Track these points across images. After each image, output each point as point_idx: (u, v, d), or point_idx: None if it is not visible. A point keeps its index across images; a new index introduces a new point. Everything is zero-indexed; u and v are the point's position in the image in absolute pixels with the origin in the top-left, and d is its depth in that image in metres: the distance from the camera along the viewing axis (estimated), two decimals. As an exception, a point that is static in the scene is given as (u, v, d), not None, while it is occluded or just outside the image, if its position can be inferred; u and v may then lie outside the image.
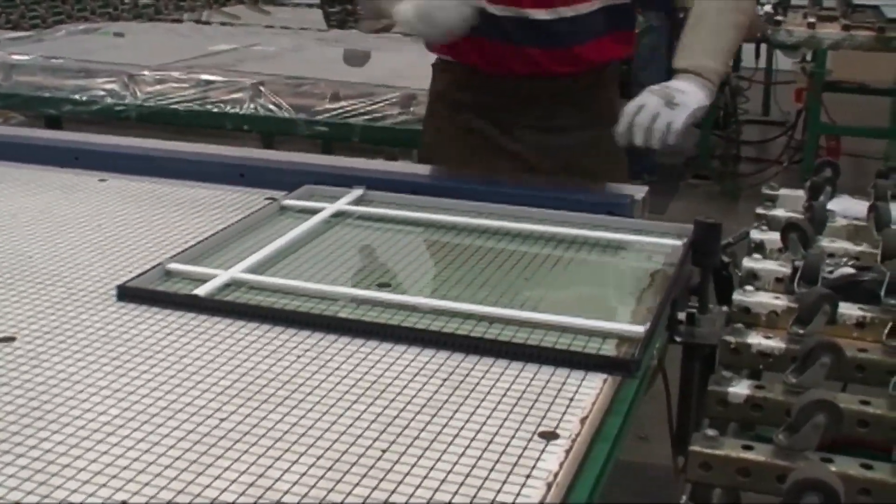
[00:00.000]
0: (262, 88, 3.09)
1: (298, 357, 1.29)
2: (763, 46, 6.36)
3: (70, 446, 1.07)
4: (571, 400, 1.19)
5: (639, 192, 1.95)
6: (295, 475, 1.02)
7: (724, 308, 1.60)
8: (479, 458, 1.06)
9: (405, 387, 1.22)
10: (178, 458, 1.04)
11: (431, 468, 1.04)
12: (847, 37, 5.05)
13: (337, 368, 1.27)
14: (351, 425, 1.12)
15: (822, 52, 5.46)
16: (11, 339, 1.34)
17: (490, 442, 1.09)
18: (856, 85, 6.28)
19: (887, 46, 4.78)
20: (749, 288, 1.62)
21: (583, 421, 1.14)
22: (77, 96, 3.30)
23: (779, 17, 5.32)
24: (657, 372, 1.48)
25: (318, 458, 1.05)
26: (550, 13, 2.17)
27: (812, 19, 5.26)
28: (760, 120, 6.96)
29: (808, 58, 5.76)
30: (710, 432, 1.21)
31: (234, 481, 1.00)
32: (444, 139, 2.34)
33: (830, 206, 1.99)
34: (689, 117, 1.93)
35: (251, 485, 1.00)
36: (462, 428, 1.12)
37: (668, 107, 1.89)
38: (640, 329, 1.35)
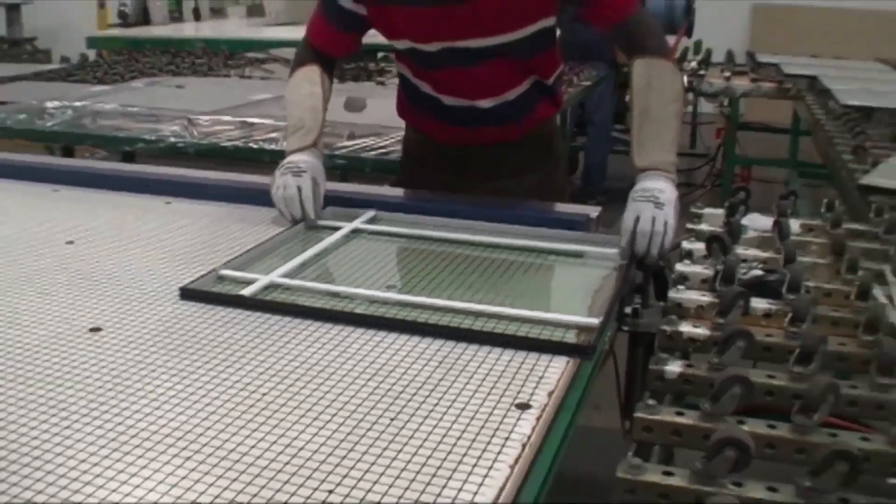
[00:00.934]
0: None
1: (324, 344, 1.28)
2: (690, 94, 6.35)
3: (147, 414, 1.07)
4: (541, 378, 1.18)
5: (593, 211, 1.93)
6: (322, 437, 1.02)
7: (662, 303, 1.58)
8: (469, 423, 1.05)
9: (408, 368, 1.21)
10: (226, 415, 1.06)
11: (430, 433, 1.03)
12: (755, 87, 5.02)
13: (354, 353, 1.25)
14: (366, 398, 1.12)
15: (735, 99, 5.44)
16: (98, 328, 1.33)
17: (476, 411, 1.09)
18: (762, 125, 6.31)
19: (785, 95, 4.78)
20: (681, 287, 1.61)
21: (550, 394, 1.13)
22: (147, 136, 3.22)
23: (702, 72, 5.31)
24: (609, 354, 1.46)
25: (341, 425, 1.05)
26: (493, 101, 2.06)
27: (728, 74, 5.23)
28: (688, 153, 6.95)
29: (725, 104, 5.76)
30: (651, 402, 1.20)
31: (262, 440, 1.01)
32: (414, 185, 2.24)
33: (744, 221, 1.97)
34: (675, 213, 1.70)
35: (279, 442, 1.00)
36: (454, 400, 1.11)
37: (658, 208, 1.66)
38: (595, 321, 1.34)
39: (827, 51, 6.42)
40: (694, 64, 5.58)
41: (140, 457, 0.97)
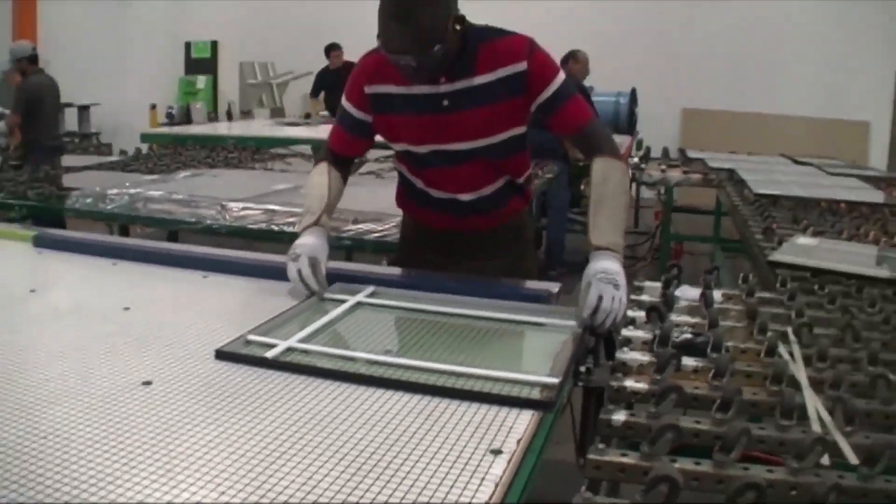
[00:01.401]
0: None
1: (332, 399, 1.27)
2: (633, 184, 6.41)
3: (189, 455, 1.07)
4: (511, 428, 1.17)
5: (554, 287, 1.91)
6: (331, 477, 1.02)
7: (610, 362, 1.57)
8: (451, 467, 1.05)
9: (402, 420, 1.20)
10: (254, 457, 1.05)
11: (419, 475, 1.03)
12: (686, 178, 5.06)
13: (357, 407, 1.24)
14: (366, 446, 1.11)
15: (670, 188, 5.47)
16: (150, 382, 1.33)
17: (458, 456, 1.08)
18: (691, 208, 6.34)
19: (710, 184, 4.82)
20: (626, 349, 1.62)
21: (518, 441, 1.13)
22: (188, 219, 3.25)
23: (643, 166, 5.35)
24: (566, 405, 1.45)
25: (347, 467, 1.05)
26: (472, 195, 2.07)
27: (664, 167, 5.28)
28: (633, 231, 6.99)
29: (662, 191, 5.77)
30: (601, 446, 1.22)
31: (283, 479, 1.01)
32: (409, 264, 2.23)
33: (677, 293, 1.98)
34: (626, 292, 1.70)
35: (297, 481, 1.00)
36: (440, 447, 1.11)
37: (616, 290, 1.64)
38: (555, 380, 1.33)
39: (742, 147, 6.52)
40: (636, 159, 5.64)
41: (184, 490, 0.98)
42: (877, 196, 3.91)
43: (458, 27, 1.84)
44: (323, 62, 8.39)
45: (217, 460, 1.06)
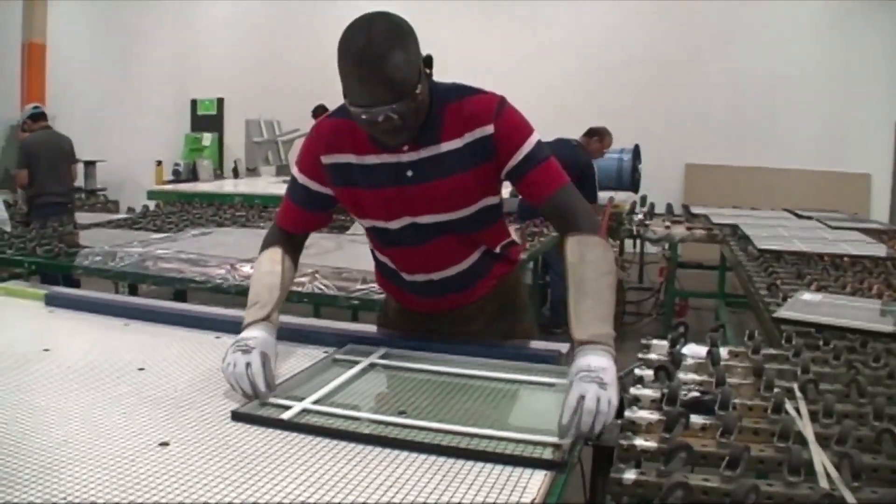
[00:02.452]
0: (316, 275, 3.07)
1: (349, 461, 1.29)
2: (637, 240, 6.45)
3: None
4: (525, 488, 1.20)
5: (563, 347, 1.87)
6: None
7: (619, 421, 1.55)
8: None
9: (419, 480, 1.22)
10: None
11: None
12: (690, 234, 5.11)
13: (374, 469, 1.26)
14: (377, 502, 1.14)
15: (674, 244, 5.50)
16: (167, 443, 1.34)
17: None
18: (696, 263, 6.36)
19: (714, 240, 4.88)
20: (634, 408, 1.62)
21: (533, 502, 1.15)
22: (197, 277, 3.26)
23: (647, 222, 5.40)
24: (577, 463, 1.45)
25: None
26: (447, 272, 1.91)
27: (668, 223, 5.34)
28: (637, 287, 7.01)
29: (667, 247, 5.80)
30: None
31: None
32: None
33: (684, 351, 2.00)
34: (616, 390, 1.47)
35: None
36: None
37: (602, 389, 1.42)
38: (566, 441, 1.36)
39: (745, 201, 6.59)
40: (640, 216, 5.70)
41: None
42: (879, 250, 3.96)
43: (428, 71, 1.69)
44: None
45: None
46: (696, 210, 5.89)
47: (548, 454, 1.32)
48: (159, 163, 10.70)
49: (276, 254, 1.88)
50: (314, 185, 1.86)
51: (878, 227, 5.25)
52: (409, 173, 1.76)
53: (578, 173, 5.24)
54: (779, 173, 7.96)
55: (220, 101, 11.12)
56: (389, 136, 1.68)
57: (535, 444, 1.35)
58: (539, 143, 1.78)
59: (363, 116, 1.61)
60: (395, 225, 1.84)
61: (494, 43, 9.32)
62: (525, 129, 1.77)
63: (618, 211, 6.00)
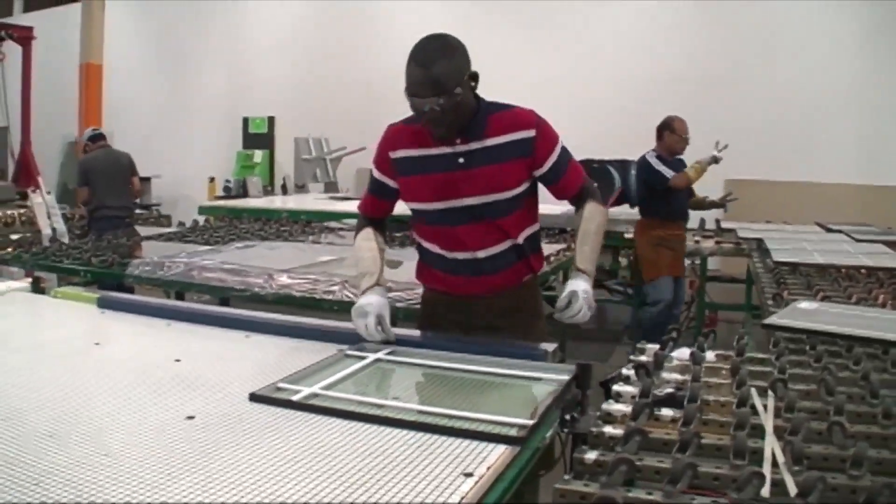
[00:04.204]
0: (346, 284, 3.23)
1: (343, 434, 1.49)
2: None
3: (230, 474, 1.29)
4: (485, 458, 1.37)
5: (551, 346, 2.09)
6: (339, 489, 1.24)
7: (597, 413, 1.71)
8: (428, 485, 1.26)
9: (397, 448, 1.41)
10: (281, 471, 1.29)
11: (401, 489, 1.24)
12: (718, 248, 5.23)
13: (365, 440, 1.45)
14: (358, 464, 1.34)
15: (704, 257, 5.62)
16: (192, 416, 1.55)
17: (436, 477, 1.29)
18: (727, 277, 6.44)
19: (741, 253, 4.97)
20: (611, 401, 1.79)
21: (488, 468, 1.33)
22: (238, 286, 3.46)
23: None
24: (547, 443, 1.61)
25: (345, 481, 1.26)
26: (481, 252, 2.31)
27: (698, 238, 5.47)
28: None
29: (697, 261, 5.89)
30: (566, 477, 1.42)
31: (295, 493, 1.23)
32: (431, 328, 2.48)
33: (674, 353, 2.15)
34: (588, 301, 2.17)
35: (306, 495, 1.22)
36: (422, 470, 1.32)
37: (584, 300, 2.15)
38: (530, 421, 1.52)
39: (783, 215, 6.63)
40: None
41: (219, 498, 1.21)
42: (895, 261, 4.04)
43: (473, 84, 2.19)
44: (375, 139, 8.64)
45: (242, 476, 1.29)
46: (726, 225, 5.97)
47: (513, 432, 1.48)
48: (212, 179, 11.05)
49: (368, 233, 2.41)
50: (383, 178, 2.37)
51: (906, 239, 5.28)
52: (461, 160, 2.24)
53: (639, 176, 5.62)
54: (818, 187, 7.96)
55: (271, 120, 11.45)
56: (434, 124, 2.17)
57: (503, 424, 1.52)
58: (564, 148, 2.32)
59: (415, 104, 2.13)
60: (438, 206, 2.28)
61: (535, 61, 9.48)
62: (556, 137, 2.29)
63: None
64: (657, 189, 5.40)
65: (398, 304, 3.00)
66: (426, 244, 2.42)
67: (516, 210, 2.33)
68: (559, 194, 2.37)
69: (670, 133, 5.57)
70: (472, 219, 2.28)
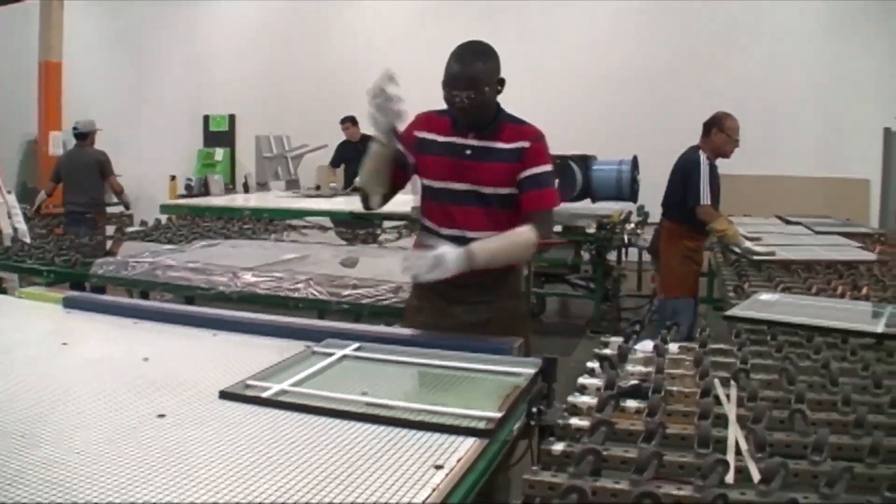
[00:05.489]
0: (311, 281, 3.25)
1: (313, 429, 1.51)
2: (633, 249, 6.57)
3: (197, 468, 1.31)
4: (455, 451, 1.40)
5: (517, 342, 2.11)
6: (307, 480, 1.26)
7: (563, 405, 1.76)
8: (399, 478, 1.29)
9: (368, 442, 1.44)
10: (250, 464, 1.29)
11: (372, 483, 1.27)
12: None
13: (335, 435, 1.48)
14: (329, 458, 1.37)
15: (665, 250, 5.66)
16: (164, 415, 1.57)
17: (407, 470, 1.32)
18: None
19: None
20: (577, 394, 1.83)
21: (458, 460, 1.36)
22: (203, 285, 3.46)
23: (639, 231, 5.58)
24: (515, 436, 1.64)
25: (317, 476, 1.29)
26: (472, 233, 2.45)
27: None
28: (636, 294, 7.18)
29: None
30: (534, 468, 1.46)
31: (266, 488, 1.25)
32: (414, 312, 2.61)
33: (638, 346, 2.20)
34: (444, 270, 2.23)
35: (277, 491, 1.24)
36: (393, 463, 1.34)
37: (438, 264, 2.21)
38: (498, 415, 1.55)
39: (744, 210, 6.72)
40: (633, 225, 5.86)
41: (191, 494, 1.23)
42: (855, 254, 4.14)
43: (499, 88, 2.47)
44: (337, 137, 8.64)
45: (215, 473, 1.31)
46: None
47: (481, 425, 1.52)
48: (173, 178, 10.97)
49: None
50: (404, 149, 2.51)
51: (862, 231, 5.41)
52: (468, 152, 2.50)
53: (683, 175, 4.83)
54: (778, 180, 8.11)
55: (232, 118, 11.39)
56: (461, 113, 2.45)
57: (472, 417, 1.56)
58: (551, 173, 2.53)
59: (449, 95, 2.41)
60: (444, 185, 2.52)
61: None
62: (549, 160, 2.52)
63: (610, 221, 6.02)
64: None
65: (363, 301, 3.02)
66: (426, 222, 2.62)
67: (507, 205, 2.51)
68: (522, 203, 2.49)
69: (718, 131, 4.86)
70: (466, 201, 2.51)
